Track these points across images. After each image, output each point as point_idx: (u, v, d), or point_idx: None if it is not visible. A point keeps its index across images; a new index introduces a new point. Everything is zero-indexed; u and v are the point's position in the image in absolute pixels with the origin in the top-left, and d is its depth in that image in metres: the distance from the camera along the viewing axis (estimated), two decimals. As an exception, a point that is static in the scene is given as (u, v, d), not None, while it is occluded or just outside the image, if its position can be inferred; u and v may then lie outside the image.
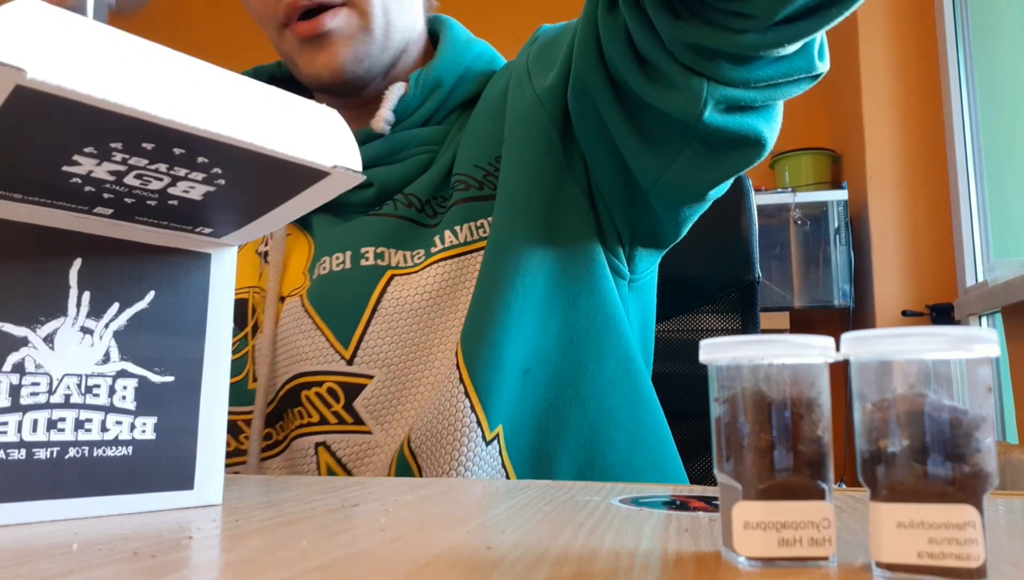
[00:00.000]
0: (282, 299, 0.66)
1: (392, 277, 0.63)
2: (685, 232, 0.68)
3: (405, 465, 0.60)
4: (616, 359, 0.65)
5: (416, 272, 0.63)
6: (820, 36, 0.52)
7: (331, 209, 0.69)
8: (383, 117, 0.67)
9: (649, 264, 0.71)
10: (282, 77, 0.77)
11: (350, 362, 0.62)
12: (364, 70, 0.67)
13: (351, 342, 0.62)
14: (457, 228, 0.64)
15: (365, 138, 0.68)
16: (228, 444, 0.65)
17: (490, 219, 0.64)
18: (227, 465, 0.65)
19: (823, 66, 0.55)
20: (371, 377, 0.62)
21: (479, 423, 0.59)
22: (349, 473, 0.62)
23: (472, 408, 0.59)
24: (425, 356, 0.62)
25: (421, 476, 0.59)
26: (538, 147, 0.63)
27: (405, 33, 0.70)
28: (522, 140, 0.63)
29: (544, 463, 0.61)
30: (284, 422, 0.65)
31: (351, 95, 0.70)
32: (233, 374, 0.67)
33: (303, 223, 0.70)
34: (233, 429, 0.65)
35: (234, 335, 0.67)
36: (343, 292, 0.63)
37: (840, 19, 0.49)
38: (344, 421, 0.62)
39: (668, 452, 0.67)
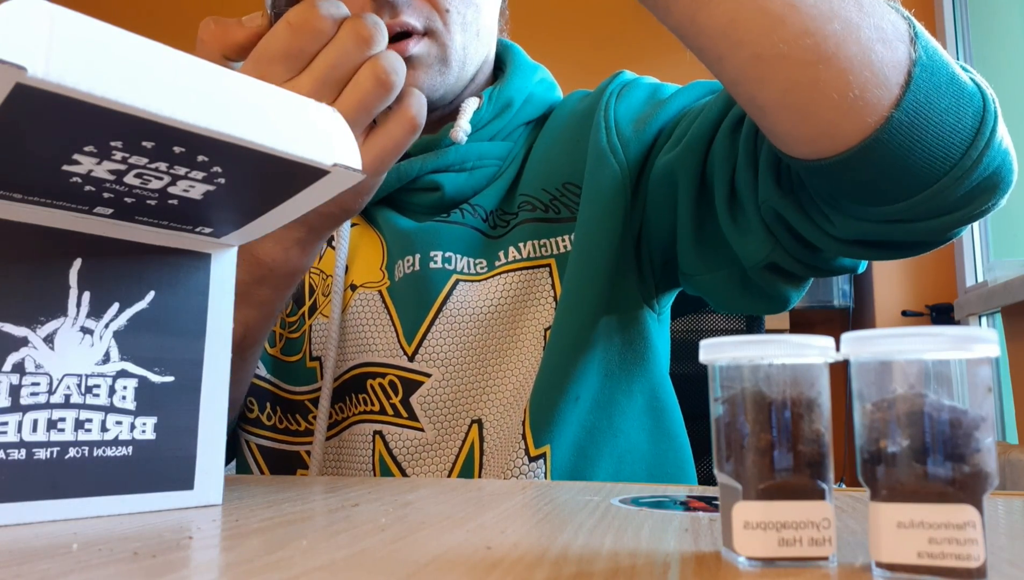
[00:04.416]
0: (352, 288, 0.70)
1: (457, 282, 0.67)
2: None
3: (471, 465, 0.65)
4: (643, 394, 0.69)
5: (480, 281, 0.67)
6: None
7: (397, 207, 0.72)
8: (462, 128, 0.69)
9: (670, 298, 0.76)
10: None
11: (411, 358, 0.66)
12: (438, 97, 0.69)
13: (414, 339, 0.66)
14: (521, 245, 0.68)
15: (434, 144, 0.70)
16: (298, 423, 0.69)
17: (554, 239, 0.68)
18: (298, 443, 0.69)
19: (860, 269, 0.62)
20: (429, 375, 0.66)
21: (524, 437, 0.63)
22: (399, 467, 0.66)
23: (523, 422, 0.63)
24: (482, 361, 0.66)
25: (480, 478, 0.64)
26: (611, 190, 0.66)
27: (478, 63, 0.73)
28: (599, 179, 0.67)
29: None
30: (344, 405, 0.69)
31: None
32: (289, 353, 0.70)
33: (368, 218, 0.73)
34: (302, 408, 0.69)
35: (292, 314, 0.71)
36: (413, 292, 0.67)
37: (910, 256, 0.55)
38: (400, 414, 0.66)
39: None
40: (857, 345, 0.25)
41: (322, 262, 0.72)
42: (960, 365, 0.24)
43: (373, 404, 0.67)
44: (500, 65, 0.78)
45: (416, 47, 0.66)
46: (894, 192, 0.48)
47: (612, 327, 0.67)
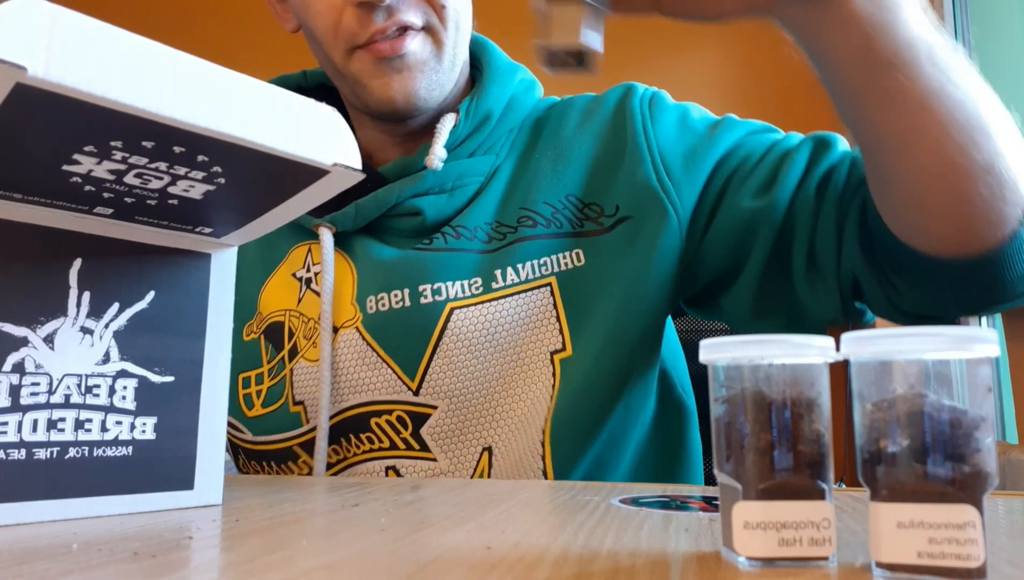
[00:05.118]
0: (334, 330, 0.67)
1: (452, 311, 0.65)
2: None
3: None
4: (644, 425, 0.69)
5: (475, 305, 0.65)
6: None
7: (375, 233, 0.69)
8: (437, 154, 0.66)
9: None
10: (308, 88, 0.77)
11: (416, 393, 0.65)
12: (434, 99, 0.67)
13: (416, 374, 0.65)
14: (520, 266, 0.66)
15: (412, 167, 0.68)
16: (290, 471, 0.67)
17: (556, 256, 0.66)
18: None
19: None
20: (435, 407, 0.65)
21: (544, 473, 0.64)
22: None
23: (542, 456, 0.64)
24: (486, 389, 0.65)
25: None
26: (667, 236, 0.65)
27: (462, 61, 0.70)
28: (651, 222, 0.65)
29: None
30: (340, 447, 0.67)
31: (402, 121, 0.69)
32: (269, 402, 0.68)
33: (343, 245, 0.69)
34: (291, 455, 0.67)
35: (270, 359, 0.68)
36: (406, 329, 0.65)
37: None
38: (412, 447, 0.65)
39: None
40: (857, 345, 0.25)
41: (301, 305, 0.69)
42: (960, 365, 0.24)
43: (382, 441, 0.65)
44: (474, 63, 0.74)
45: (412, 43, 0.63)
46: (982, 285, 0.53)
47: (638, 363, 0.66)
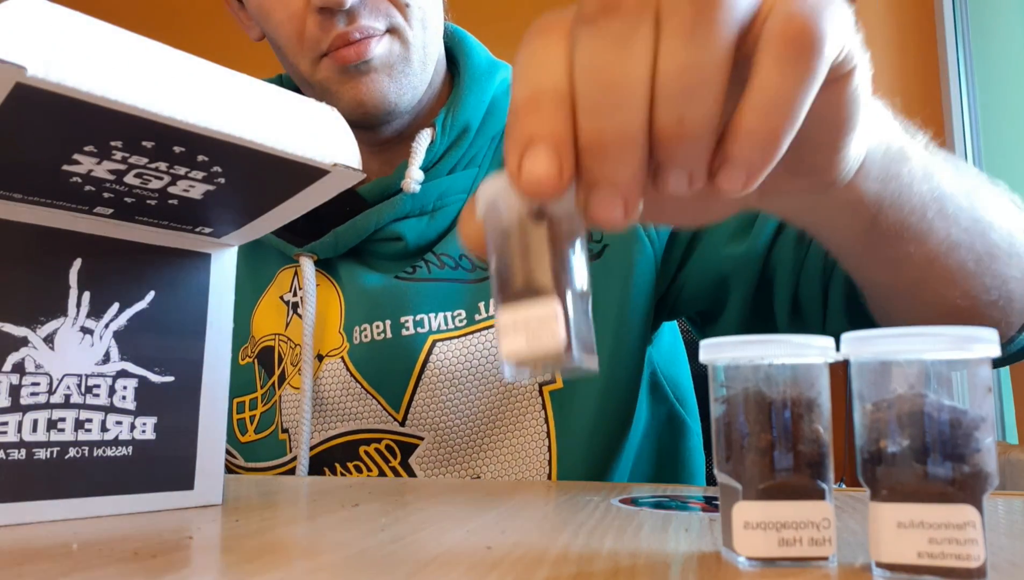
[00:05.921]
0: (319, 358, 0.66)
1: (434, 343, 0.64)
2: None
3: None
4: (647, 455, 0.69)
5: (458, 337, 0.64)
6: None
7: (359, 256, 0.68)
8: (414, 177, 0.64)
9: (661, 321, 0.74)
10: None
11: (403, 423, 0.64)
12: (406, 102, 0.64)
13: (401, 406, 0.64)
14: None
15: (390, 188, 0.65)
16: None
17: None
18: None
19: None
20: (422, 438, 0.64)
21: None
22: None
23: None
24: (471, 421, 0.64)
25: None
26: (646, 271, 0.64)
27: (435, 62, 0.67)
28: (629, 255, 0.64)
29: None
30: (325, 475, 0.66)
31: (376, 128, 0.66)
32: (261, 429, 0.67)
33: (329, 270, 0.68)
34: None
35: (263, 384, 0.68)
36: (389, 361, 0.64)
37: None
38: (400, 476, 0.65)
39: None
40: (857, 345, 0.25)
41: (289, 329, 0.68)
42: (960, 365, 0.24)
43: (371, 470, 0.65)
44: (451, 57, 0.71)
45: (379, 47, 0.60)
46: None
47: (634, 392, 0.66)
